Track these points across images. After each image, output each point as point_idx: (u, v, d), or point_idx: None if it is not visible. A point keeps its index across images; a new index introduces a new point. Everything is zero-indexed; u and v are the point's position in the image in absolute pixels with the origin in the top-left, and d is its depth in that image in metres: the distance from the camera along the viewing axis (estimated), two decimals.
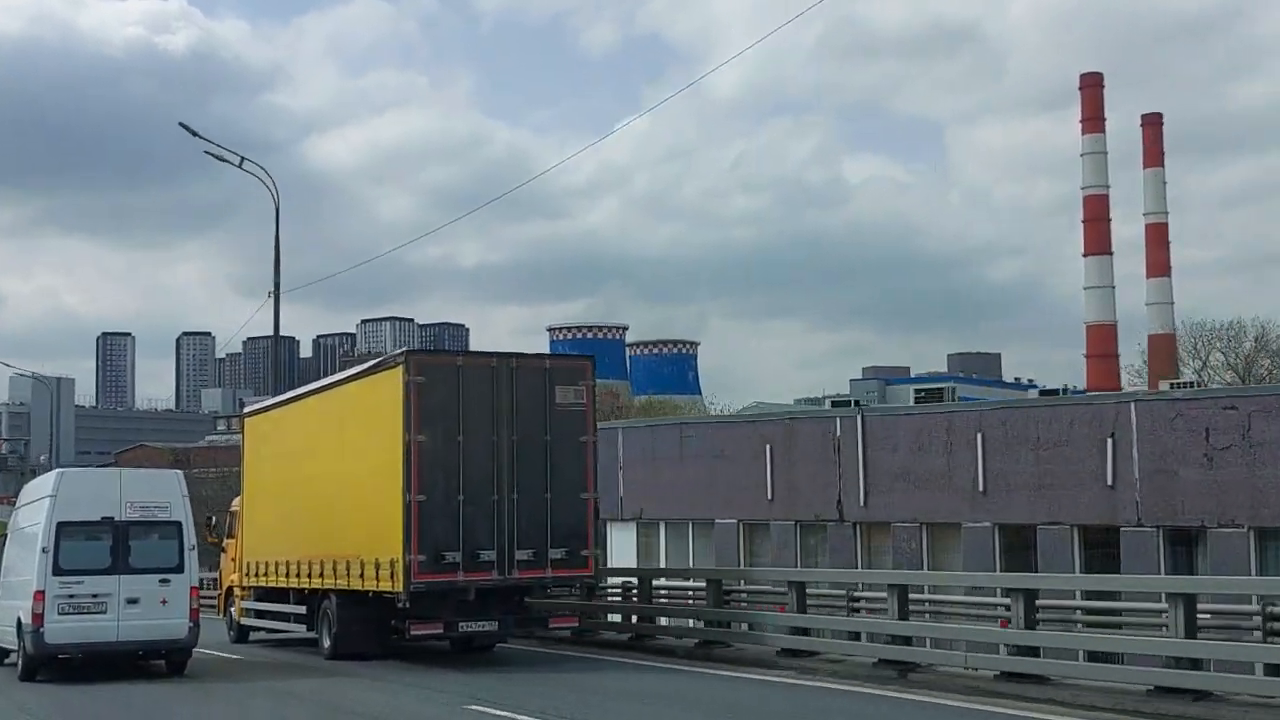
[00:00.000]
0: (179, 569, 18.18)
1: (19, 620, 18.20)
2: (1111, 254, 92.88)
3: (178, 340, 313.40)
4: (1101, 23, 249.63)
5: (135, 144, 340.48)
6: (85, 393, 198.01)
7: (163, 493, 18.61)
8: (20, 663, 18.34)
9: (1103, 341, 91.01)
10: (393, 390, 18.84)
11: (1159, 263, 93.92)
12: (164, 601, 17.92)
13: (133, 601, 17.81)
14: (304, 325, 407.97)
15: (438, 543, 18.48)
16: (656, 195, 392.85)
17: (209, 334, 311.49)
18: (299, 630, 22.81)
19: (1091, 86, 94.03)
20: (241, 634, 25.68)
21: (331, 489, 21.01)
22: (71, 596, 17.61)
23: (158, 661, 19.04)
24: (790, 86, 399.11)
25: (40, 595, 17.45)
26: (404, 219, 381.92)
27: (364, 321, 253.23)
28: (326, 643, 21.04)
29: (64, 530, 17.82)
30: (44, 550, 17.64)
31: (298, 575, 22.14)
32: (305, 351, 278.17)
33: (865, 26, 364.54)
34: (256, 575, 24.32)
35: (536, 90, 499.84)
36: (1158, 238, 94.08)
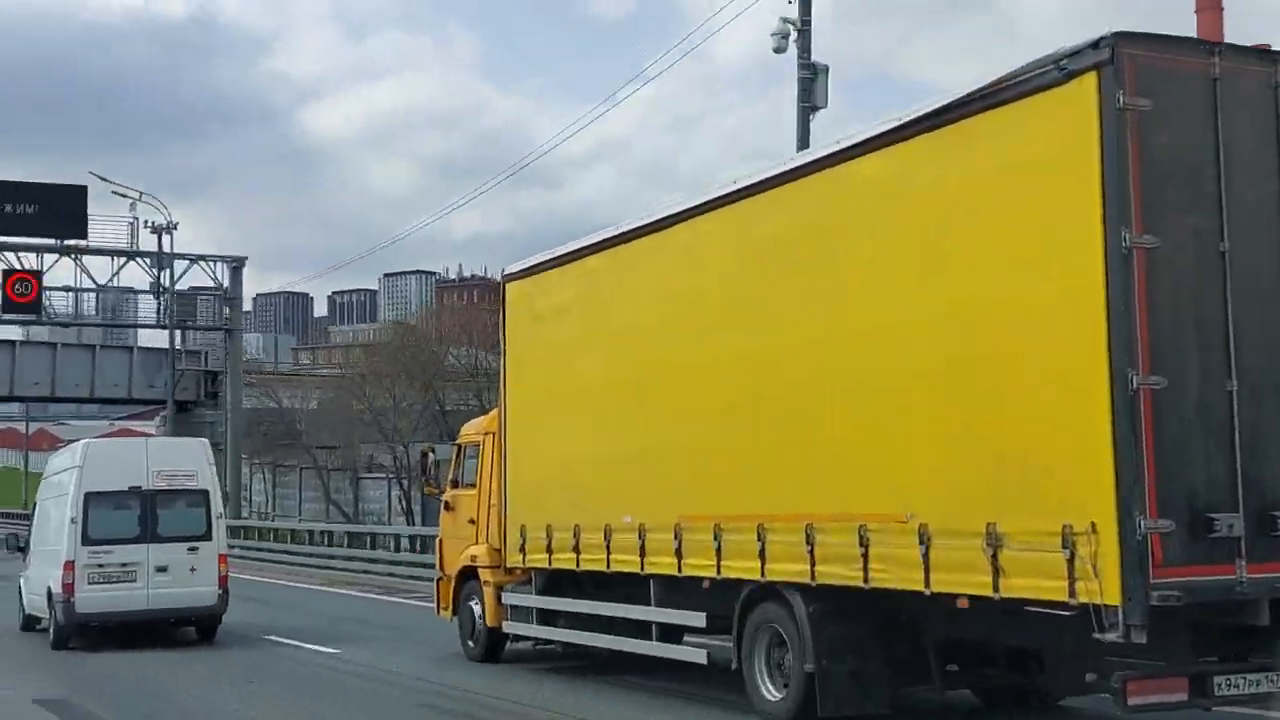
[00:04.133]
0: (207, 536, 17.88)
1: (49, 590, 17.93)
2: None
3: None
4: None
5: (119, 112, 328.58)
6: None
7: (189, 461, 18.32)
8: (52, 631, 18.08)
9: None
10: (1064, 133, 8.06)
11: None
12: (193, 569, 17.66)
13: (161, 569, 17.60)
14: (317, 283, 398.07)
15: (1193, 492, 7.80)
16: (657, 164, 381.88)
17: None
18: (640, 647, 12.26)
19: None
20: (492, 646, 14.76)
21: (809, 376, 10.18)
22: (101, 566, 17.45)
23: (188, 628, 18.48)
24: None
25: (70, 565, 17.31)
26: (400, 186, 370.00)
27: (386, 275, 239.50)
28: (775, 692, 10.43)
29: (92, 500, 17.60)
30: (73, 520, 17.46)
31: (677, 553, 11.45)
32: (320, 310, 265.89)
33: None
34: (549, 549, 13.46)
35: (540, 55, 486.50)
36: None
